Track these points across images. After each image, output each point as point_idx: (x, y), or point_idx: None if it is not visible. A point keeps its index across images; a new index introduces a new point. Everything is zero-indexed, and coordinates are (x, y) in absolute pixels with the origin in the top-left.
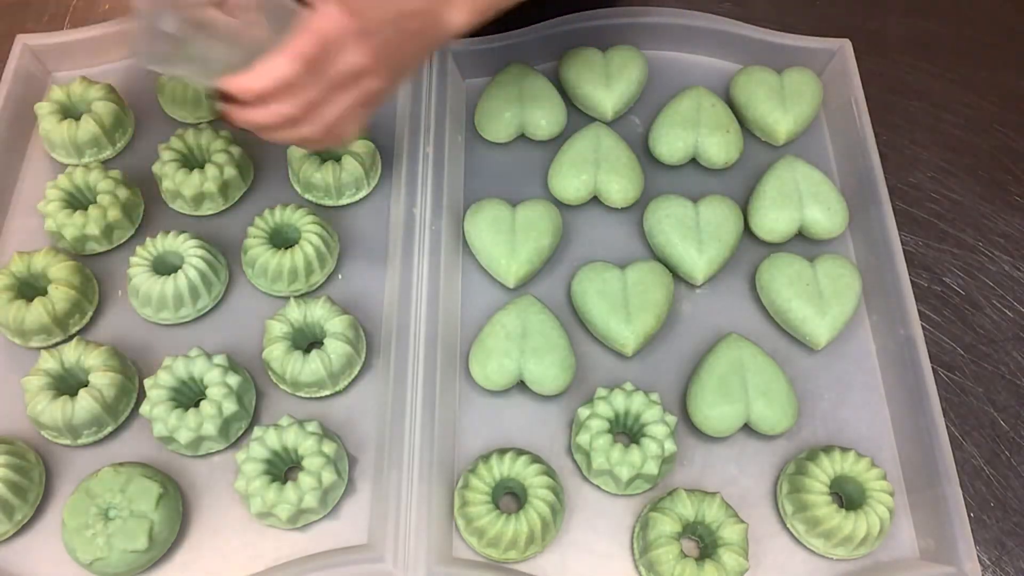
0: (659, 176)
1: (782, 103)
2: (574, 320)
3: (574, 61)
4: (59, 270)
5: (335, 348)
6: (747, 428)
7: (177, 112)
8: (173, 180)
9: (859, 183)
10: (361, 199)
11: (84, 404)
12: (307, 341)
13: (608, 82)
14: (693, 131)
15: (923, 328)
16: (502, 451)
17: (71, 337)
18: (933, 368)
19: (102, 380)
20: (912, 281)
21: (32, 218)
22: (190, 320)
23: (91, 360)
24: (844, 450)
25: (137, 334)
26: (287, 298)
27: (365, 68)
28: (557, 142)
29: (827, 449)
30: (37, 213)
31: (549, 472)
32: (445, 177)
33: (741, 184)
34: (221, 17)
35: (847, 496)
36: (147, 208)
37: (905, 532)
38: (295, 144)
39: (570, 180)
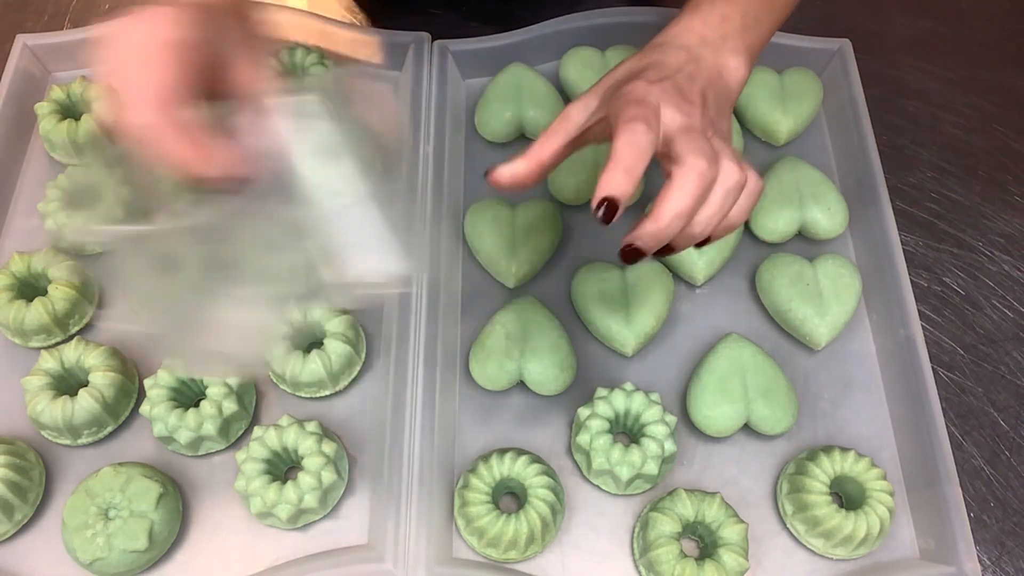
0: (659, 176)
1: (782, 103)
2: (574, 320)
3: (574, 61)
4: (59, 270)
5: (335, 348)
6: (747, 428)
7: None
8: None
9: (859, 183)
10: None
11: (84, 404)
12: (307, 341)
13: None
14: None
15: (923, 328)
16: (502, 451)
17: (71, 337)
18: (933, 368)
19: (102, 380)
20: (912, 281)
21: (32, 218)
22: None
23: (91, 360)
24: (844, 450)
25: (137, 334)
26: None
27: (704, 115)
28: None
29: (827, 449)
30: (37, 213)
31: (549, 472)
32: (445, 177)
33: None
34: None
35: (847, 496)
36: None
37: (905, 532)
38: (724, 227)
39: (569, 179)
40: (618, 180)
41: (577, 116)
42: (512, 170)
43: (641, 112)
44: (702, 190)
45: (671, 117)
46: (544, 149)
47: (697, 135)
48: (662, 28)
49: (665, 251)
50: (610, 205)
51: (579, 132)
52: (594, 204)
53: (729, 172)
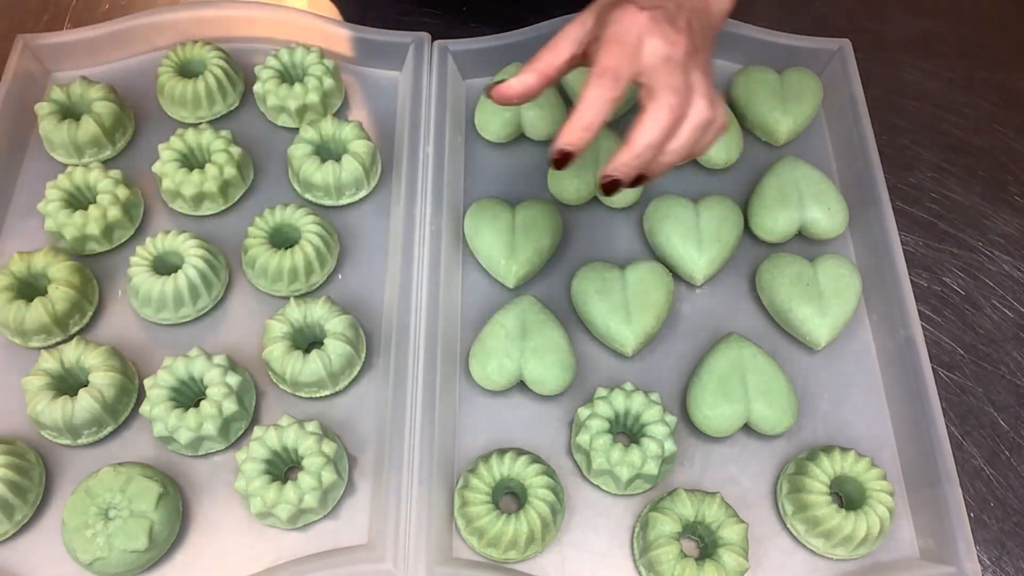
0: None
1: (782, 103)
2: (574, 320)
3: None
4: (59, 270)
5: (335, 348)
6: (747, 428)
7: (177, 112)
8: (173, 180)
9: (859, 183)
10: (361, 199)
11: (84, 404)
12: (307, 341)
13: None
14: None
15: (923, 328)
16: (502, 451)
17: (71, 337)
18: (933, 368)
19: (102, 380)
20: (912, 281)
21: (32, 218)
22: (190, 320)
23: (91, 360)
24: (844, 450)
25: (137, 334)
26: (287, 298)
27: (688, 46)
28: None
29: (827, 449)
30: (37, 213)
31: (549, 472)
32: (445, 177)
33: (741, 184)
34: None
35: (847, 496)
36: (147, 208)
37: (905, 532)
38: (690, 153)
39: (570, 180)
40: (577, 135)
41: (575, 33)
42: (522, 81)
43: (614, 61)
44: (672, 123)
45: (654, 48)
46: (549, 63)
47: (675, 68)
48: None
49: (639, 180)
50: (566, 155)
51: (579, 48)
52: (551, 152)
53: (699, 108)
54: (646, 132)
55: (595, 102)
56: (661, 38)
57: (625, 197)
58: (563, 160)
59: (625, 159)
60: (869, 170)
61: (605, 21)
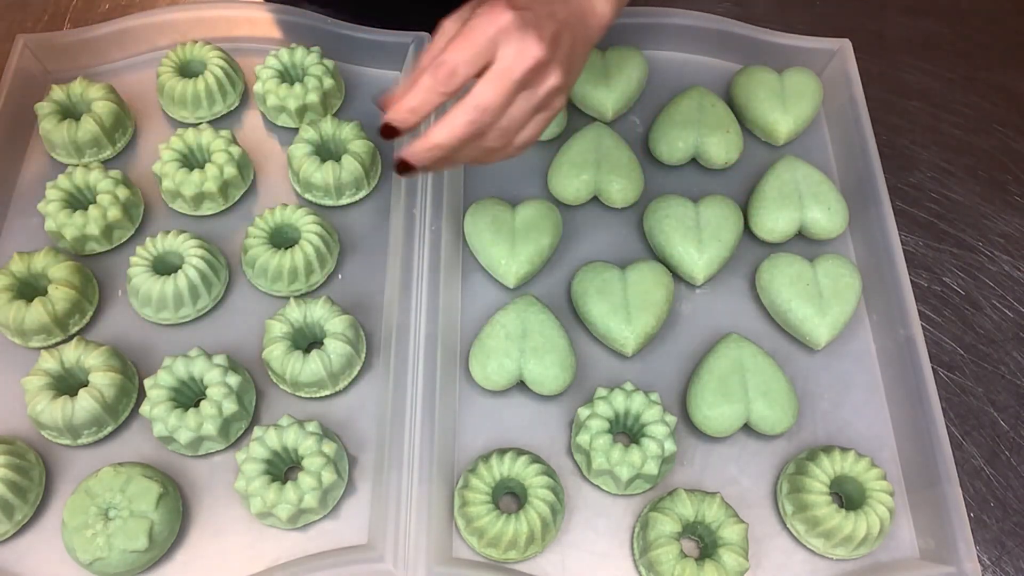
0: (659, 176)
1: (782, 103)
2: (574, 320)
3: None
4: (59, 270)
5: (335, 348)
6: (747, 428)
7: (177, 112)
8: (173, 180)
9: (859, 183)
10: (361, 199)
11: (84, 404)
12: (307, 341)
13: (608, 82)
14: (693, 131)
15: (923, 328)
16: (502, 451)
17: (71, 337)
18: (933, 368)
19: (102, 380)
20: (912, 281)
21: (32, 218)
22: (190, 320)
23: (91, 360)
24: (844, 450)
25: (137, 334)
26: (287, 298)
27: (542, 61)
28: (557, 142)
29: (827, 449)
30: (37, 213)
31: (549, 472)
32: (445, 177)
33: (741, 184)
34: None
35: (847, 496)
36: (147, 208)
37: (905, 532)
38: (474, 162)
39: (570, 180)
40: (402, 116)
41: (450, 28)
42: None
43: (456, 57)
44: (465, 138)
45: (503, 55)
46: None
47: (502, 85)
48: (661, 29)
49: (431, 167)
50: (393, 130)
51: None
52: (381, 125)
53: (494, 136)
54: (438, 133)
55: (425, 92)
56: (515, 47)
57: (625, 197)
58: (390, 133)
59: (417, 149)
60: (869, 170)
61: (474, 12)
